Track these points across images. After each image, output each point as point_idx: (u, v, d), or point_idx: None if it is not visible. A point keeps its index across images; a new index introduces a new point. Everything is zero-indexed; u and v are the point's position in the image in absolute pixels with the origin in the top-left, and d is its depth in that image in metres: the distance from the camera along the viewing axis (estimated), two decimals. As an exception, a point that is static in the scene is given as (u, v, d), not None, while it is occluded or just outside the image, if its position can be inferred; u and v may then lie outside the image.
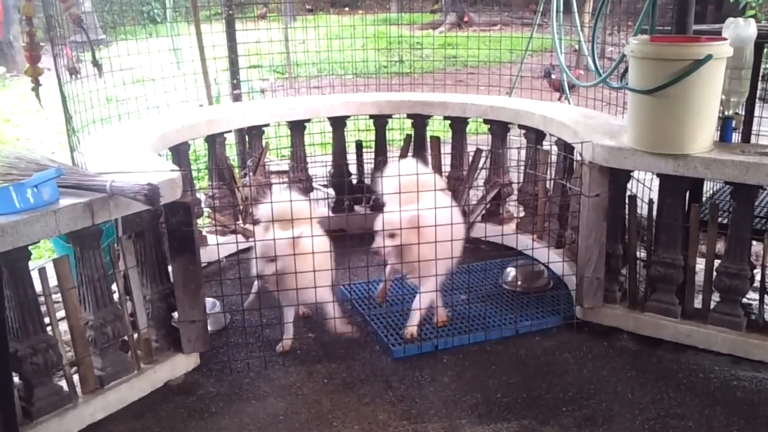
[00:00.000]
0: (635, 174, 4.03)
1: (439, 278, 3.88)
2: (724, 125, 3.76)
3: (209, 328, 3.74)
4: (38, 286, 3.10)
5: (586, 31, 5.30)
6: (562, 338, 3.97)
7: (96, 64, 4.25)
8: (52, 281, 3.21)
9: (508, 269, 4.58)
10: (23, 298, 3.00)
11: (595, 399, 3.41)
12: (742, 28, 3.65)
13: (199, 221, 4.97)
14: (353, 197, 5.53)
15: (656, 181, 3.84)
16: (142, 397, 3.46)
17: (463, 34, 6.07)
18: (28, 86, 4.16)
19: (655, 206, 3.86)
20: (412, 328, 3.89)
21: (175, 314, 3.61)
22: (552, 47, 5.32)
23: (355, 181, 5.67)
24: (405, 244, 3.67)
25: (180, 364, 3.64)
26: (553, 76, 7.32)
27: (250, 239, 3.92)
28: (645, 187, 4.13)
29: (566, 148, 4.47)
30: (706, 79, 3.41)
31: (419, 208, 3.63)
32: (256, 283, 3.92)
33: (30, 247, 2.97)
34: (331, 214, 5.34)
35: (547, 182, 4.84)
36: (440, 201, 3.68)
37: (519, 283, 4.46)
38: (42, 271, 3.14)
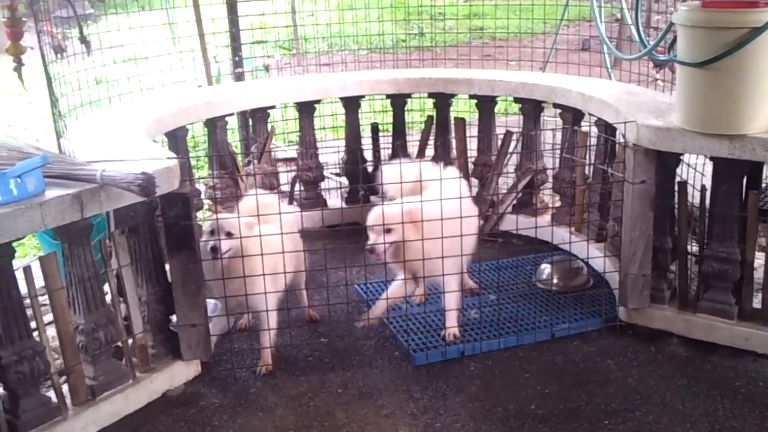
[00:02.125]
0: (685, 158, 4.00)
1: (455, 278, 3.88)
2: (787, 102, 3.72)
3: (211, 332, 3.77)
4: (23, 287, 3.13)
5: (630, -2, 5.25)
6: (603, 343, 3.96)
7: (84, 41, 4.29)
8: (39, 281, 3.23)
9: (543, 266, 4.56)
10: (7, 300, 3.03)
11: (641, 411, 3.39)
12: (807, -8, 3.60)
13: (199, 214, 4.99)
14: (369, 186, 5.53)
15: (709, 166, 3.80)
16: (137, 410, 3.48)
17: (491, 3, 6.02)
18: (9, 66, 4.21)
19: (708, 194, 3.82)
20: (453, 329, 3.91)
21: (174, 317, 3.64)
22: (591, 16, 5.28)
23: (370, 169, 5.67)
24: (405, 241, 3.66)
25: (179, 373, 3.67)
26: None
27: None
28: (697, 173, 4.09)
29: (607, 129, 4.44)
30: (765, 50, 3.36)
31: (422, 200, 3.62)
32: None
33: (14, 244, 3.00)
34: (344, 206, 5.35)
35: (586, 168, 4.81)
36: (448, 190, 3.67)
37: (555, 281, 4.45)
38: (27, 271, 3.17)
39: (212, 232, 3.55)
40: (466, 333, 3.96)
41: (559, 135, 5.01)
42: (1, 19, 4.02)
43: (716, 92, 3.49)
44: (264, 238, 3.53)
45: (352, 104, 5.49)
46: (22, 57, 4.19)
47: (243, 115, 5.52)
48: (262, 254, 3.52)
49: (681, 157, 3.91)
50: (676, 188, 3.91)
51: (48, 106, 4.21)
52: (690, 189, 3.94)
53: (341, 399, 3.54)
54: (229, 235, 3.54)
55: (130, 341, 3.51)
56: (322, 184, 5.59)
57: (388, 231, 3.67)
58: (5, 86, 10.78)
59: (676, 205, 3.92)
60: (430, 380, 3.67)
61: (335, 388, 3.62)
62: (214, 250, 3.50)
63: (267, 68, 6.45)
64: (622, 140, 4.01)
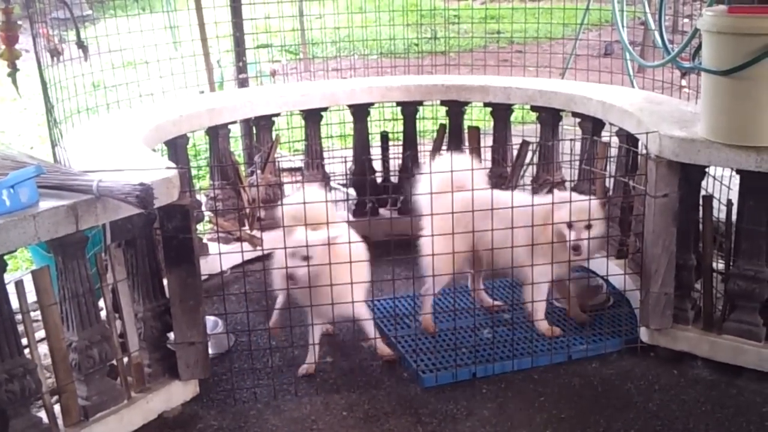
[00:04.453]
0: (711, 170, 4.00)
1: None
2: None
3: (210, 351, 3.79)
4: (14, 302, 3.16)
5: (654, 1, 5.27)
6: (623, 365, 3.95)
7: (81, 44, 4.33)
8: (31, 296, 3.25)
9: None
10: (-3, 316, 3.06)
11: (662, 437, 3.39)
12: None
13: (199, 227, 5.03)
14: (377, 198, 5.55)
15: (736, 179, 3.81)
16: (132, 431, 3.50)
17: (508, 6, 6.06)
18: (2, 71, 4.25)
19: (734, 208, 3.82)
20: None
21: (171, 335, 3.67)
22: (612, 20, 5.30)
23: (379, 180, 5.69)
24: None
25: (176, 393, 3.69)
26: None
27: (258, 248, 3.96)
28: (723, 186, 4.09)
29: (629, 139, 4.44)
30: (795, 58, 3.37)
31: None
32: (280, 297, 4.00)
33: (5, 257, 3.04)
34: (351, 218, 5.37)
35: (606, 180, 4.81)
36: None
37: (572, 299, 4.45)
38: (19, 285, 3.19)
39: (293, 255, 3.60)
40: (478, 354, 3.97)
41: (578, 145, 5.02)
42: (-4, 23, 4.07)
43: (743, 102, 3.50)
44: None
45: (360, 112, 5.52)
46: (17, 62, 4.23)
47: (246, 123, 5.56)
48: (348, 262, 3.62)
49: (706, 170, 3.91)
50: (701, 202, 3.91)
51: (43, 113, 4.25)
52: (715, 203, 3.94)
53: (346, 422, 3.56)
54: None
55: (125, 359, 3.53)
56: (328, 196, 5.61)
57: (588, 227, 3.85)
58: (-1, 91, 10.90)
59: (701, 221, 3.92)
60: (439, 403, 3.68)
61: (340, 411, 3.64)
62: (292, 278, 3.59)
63: (273, 75, 6.49)
64: (644, 151, 4.01)
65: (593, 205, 3.85)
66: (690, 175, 3.82)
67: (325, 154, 5.56)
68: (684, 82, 5.17)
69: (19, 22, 4.18)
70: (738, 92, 3.50)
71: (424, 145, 5.72)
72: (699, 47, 3.77)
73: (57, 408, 3.33)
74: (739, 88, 3.48)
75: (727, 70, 3.46)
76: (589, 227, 3.87)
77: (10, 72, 4.24)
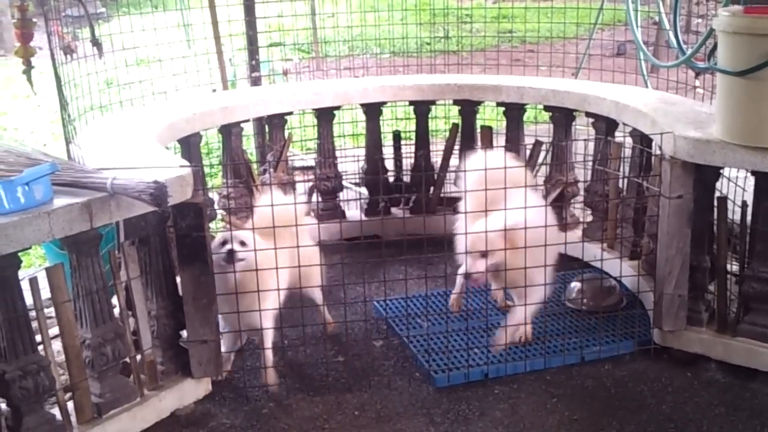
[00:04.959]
0: (725, 171, 3.98)
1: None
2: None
3: (223, 349, 3.80)
4: (28, 299, 3.17)
5: (667, 0, 5.25)
6: (636, 367, 3.94)
7: (95, 42, 4.35)
8: (45, 293, 3.27)
9: (573, 284, 4.56)
10: (11, 313, 3.07)
11: (676, 439, 3.38)
12: None
13: (212, 225, 5.04)
14: (390, 198, 5.55)
15: (751, 180, 3.79)
16: (145, 429, 3.52)
17: (521, 5, 6.04)
18: (17, 68, 4.28)
19: (749, 210, 3.80)
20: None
21: (184, 333, 3.67)
22: (626, 20, 5.28)
23: (392, 179, 5.69)
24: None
25: (189, 391, 3.70)
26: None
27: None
28: (737, 187, 4.07)
29: (643, 140, 4.43)
30: (812, 59, 3.35)
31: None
32: None
33: (20, 254, 3.05)
34: (364, 218, 5.37)
35: (620, 181, 4.80)
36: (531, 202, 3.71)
37: (585, 300, 4.44)
38: (33, 282, 3.21)
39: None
40: (490, 354, 3.96)
41: (591, 146, 5.01)
42: (11, 20, 4.09)
43: (759, 103, 3.48)
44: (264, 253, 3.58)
45: (373, 111, 5.52)
46: (32, 59, 4.26)
47: (259, 122, 5.57)
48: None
49: (721, 171, 3.89)
50: (716, 204, 3.90)
51: (57, 110, 4.28)
52: (730, 204, 3.92)
53: (358, 422, 3.56)
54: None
55: (138, 357, 3.55)
56: (341, 195, 5.62)
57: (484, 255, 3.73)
58: (13, 89, 10.96)
59: (715, 222, 3.91)
60: (451, 403, 3.67)
61: (352, 410, 3.64)
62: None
63: (285, 74, 6.50)
64: (658, 152, 3.99)
65: (490, 237, 3.68)
66: (704, 176, 3.80)
67: (338, 153, 5.56)
68: (698, 83, 5.15)
69: (34, 20, 4.20)
70: (754, 93, 3.48)
71: (437, 145, 5.71)
72: (714, 47, 3.75)
73: (70, 405, 3.35)
74: (754, 88, 3.46)
75: (743, 70, 3.45)
76: (485, 256, 3.72)
77: (25, 69, 4.27)
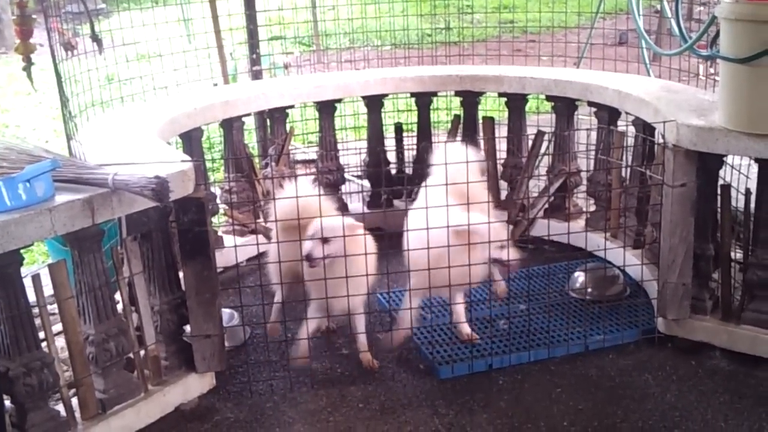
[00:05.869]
0: (729, 159, 3.97)
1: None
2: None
3: (226, 343, 3.80)
4: (31, 296, 3.17)
5: (669, -11, 5.22)
6: (640, 356, 3.94)
7: (95, 38, 4.35)
8: (47, 290, 3.28)
9: (576, 274, 4.55)
10: (14, 310, 3.07)
11: (680, 429, 3.38)
12: None
13: (214, 220, 5.04)
14: (392, 190, 5.55)
15: (754, 168, 3.77)
16: (149, 424, 3.52)
17: (522, -5, 6.03)
18: (17, 65, 4.28)
19: (753, 197, 3.79)
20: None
21: (188, 328, 3.68)
22: (628, 8, 5.26)
23: (394, 171, 5.68)
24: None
25: (193, 386, 3.70)
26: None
27: (273, 240, 3.97)
28: (741, 175, 4.06)
29: (645, 128, 4.41)
30: (814, 45, 3.34)
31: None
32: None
33: (22, 251, 3.05)
34: (366, 210, 5.36)
35: (623, 170, 4.79)
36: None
37: (589, 290, 4.44)
38: (36, 279, 3.21)
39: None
40: (495, 345, 3.96)
41: (593, 135, 5.00)
42: (11, 17, 4.10)
43: (761, 90, 3.47)
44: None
45: (374, 103, 5.51)
46: (32, 56, 4.26)
47: (260, 116, 5.56)
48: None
49: (724, 159, 3.88)
50: (719, 192, 3.89)
51: (58, 107, 4.28)
52: (734, 192, 3.91)
53: (362, 414, 3.56)
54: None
55: (142, 352, 3.55)
56: (343, 188, 5.62)
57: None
58: (14, 86, 10.97)
59: (719, 210, 3.90)
60: (456, 395, 3.67)
61: (356, 403, 3.64)
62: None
63: (286, 67, 6.49)
64: (661, 141, 3.99)
65: (329, 224, 3.66)
66: (708, 164, 3.79)
67: (340, 146, 5.56)
68: (712, 70, 5.13)
69: (34, 16, 4.20)
70: (757, 80, 3.47)
71: (439, 136, 5.70)
72: (717, 35, 3.74)
73: (74, 401, 3.36)
74: (757, 75, 3.45)
75: (746, 57, 3.43)
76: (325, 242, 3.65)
77: (25, 66, 4.27)
